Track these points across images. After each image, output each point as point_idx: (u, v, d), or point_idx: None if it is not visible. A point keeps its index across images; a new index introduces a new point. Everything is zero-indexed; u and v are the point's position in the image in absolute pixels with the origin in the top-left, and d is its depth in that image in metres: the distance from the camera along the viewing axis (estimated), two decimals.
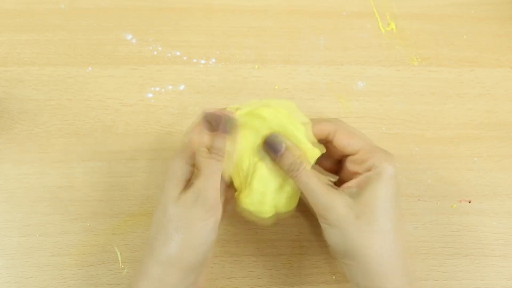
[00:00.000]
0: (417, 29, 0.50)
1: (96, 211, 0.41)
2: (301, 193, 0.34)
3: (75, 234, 0.40)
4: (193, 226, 0.31)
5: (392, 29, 0.50)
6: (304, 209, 0.40)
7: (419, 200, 0.43)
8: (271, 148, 0.32)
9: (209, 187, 0.31)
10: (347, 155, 0.34)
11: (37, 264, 0.39)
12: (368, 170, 0.32)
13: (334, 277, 0.40)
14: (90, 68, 0.46)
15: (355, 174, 0.33)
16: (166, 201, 0.31)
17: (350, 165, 0.34)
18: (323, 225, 0.32)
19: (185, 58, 0.47)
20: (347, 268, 0.32)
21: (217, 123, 0.32)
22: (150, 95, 0.45)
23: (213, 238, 0.32)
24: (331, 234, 0.32)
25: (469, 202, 0.43)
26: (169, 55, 0.47)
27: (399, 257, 0.31)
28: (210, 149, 0.32)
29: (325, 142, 0.34)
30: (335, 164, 0.37)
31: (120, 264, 0.40)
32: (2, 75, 0.46)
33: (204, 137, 0.32)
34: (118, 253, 0.40)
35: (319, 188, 0.31)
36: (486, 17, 0.50)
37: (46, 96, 0.45)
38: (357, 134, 0.34)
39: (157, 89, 0.46)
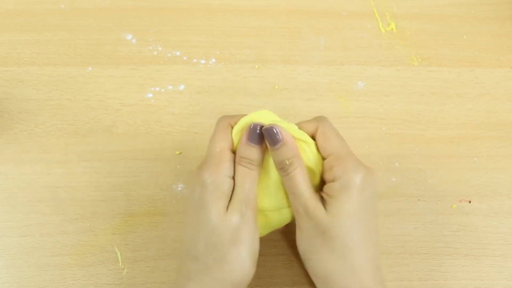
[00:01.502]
0: (417, 29, 0.50)
1: (96, 211, 0.41)
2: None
3: (75, 234, 0.40)
4: (246, 238, 0.31)
5: (392, 29, 0.50)
6: None
7: (419, 200, 0.43)
8: (270, 137, 0.31)
9: (249, 199, 0.31)
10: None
11: (37, 264, 0.39)
12: (332, 180, 0.31)
13: None
14: (90, 68, 0.46)
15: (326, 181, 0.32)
16: (213, 217, 0.30)
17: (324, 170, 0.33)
18: (297, 230, 0.32)
19: (185, 58, 0.47)
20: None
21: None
22: (150, 95, 0.45)
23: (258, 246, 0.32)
24: (301, 240, 0.32)
25: (469, 202, 0.43)
26: (169, 55, 0.47)
27: (365, 272, 0.30)
28: (244, 159, 0.32)
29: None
30: None
31: (120, 264, 0.40)
32: (2, 75, 0.46)
33: (247, 148, 0.32)
34: (118, 253, 0.40)
35: (305, 192, 0.31)
36: (486, 17, 0.51)
37: (46, 96, 0.45)
38: (332, 137, 0.33)
39: (157, 89, 0.46)
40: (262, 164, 0.33)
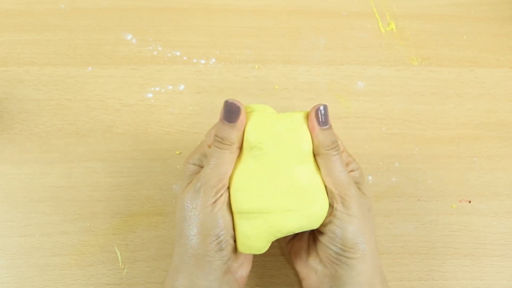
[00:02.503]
0: (417, 29, 0.50)
1: (96, 211, 0.41)
2: None
3: (75, 234, 0.40)
4: (196, 214, 0.30)
5: (392, 29, 0.50)
6: None
7: (419, 200, 0.43)
8: (320, 116, 0.31)
9: (210, 176, 0.30)
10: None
11: (37, 264, 0.39)
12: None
13: None
14: (90, 68, 0.46)
15: None
16: (177, 198, 0.32)
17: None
18: (339, 213, 0.31)
19: (185, 58, 0.47)
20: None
21: (224, 111, 0.31)
22: (150, 95, 0.45)
23: (223, 224, 0.30)
24: (342, 215, 0.31)
25: (469, 202, 0.43)
26: (169, 55, 0.47)
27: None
28: (214, 137, 0.31)
29: None
30: None
31: (120, 264, 0.40)
32: (2, 75, 0.46)
33: (219, 126, 0.32)
34: (118, 253, 0.40)
35: (343, 173, 0.31)
36: (486, 17, 0.50)
37: (46, 96, 0.45)
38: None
39: (157, 89, 0.46)
40: (251, 151, 0.31)
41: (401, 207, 0.42)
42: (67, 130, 0.44)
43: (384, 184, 0.43)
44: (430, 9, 0.51)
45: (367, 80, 0.47)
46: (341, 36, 0.49)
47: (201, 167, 0.33)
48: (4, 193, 0.41)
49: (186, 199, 0.31)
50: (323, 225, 0.32)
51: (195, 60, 0.47)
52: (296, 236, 0.36)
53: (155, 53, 0.47)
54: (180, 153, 0.43)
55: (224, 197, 0.31)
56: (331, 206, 0.31)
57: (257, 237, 0.31)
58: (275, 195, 0.31)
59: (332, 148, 0.31)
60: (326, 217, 0.31)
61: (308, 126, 0.31)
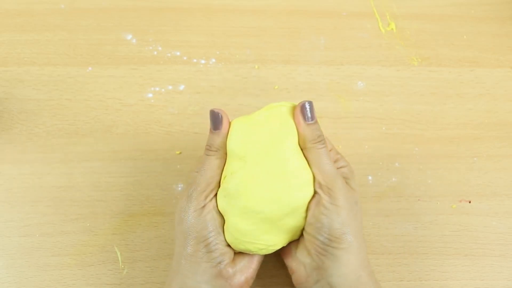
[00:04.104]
0: (417, 29, 0.50)
1: (96, 211, 0.41)
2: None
3: (75, 234, 0.40)
4: (189, 217, 0.32)
5: (392, 29, 0.50)
6: None
7: (419, 200, 0.43)
8: (306, 112, 0.32)
9: (200, 180, 0.32)
10: None
11: (37, 264, 0.39)
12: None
13: None
14: (90, 68, 0.46)
15: None
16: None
17: None
18: (327, 203, 0.31)
19: (185, 58, 0.47)
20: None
21: (210, 120, 0.34)
22: (150, 95, 0.45)
23: (213, 225, 0.32)
24: (329, 206, 0.31)
25: (469, 202, 0.43)
26: (169, 55, 0.47)
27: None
28: (205, 146, 0.34)
29: None
30: None
31: (120, 264, 0.40)
32: (2, 75, 0.46)
33: (209, 135, 0.34)
34: (118, 253, 0.40)
35: (329, 165, 0.32)
36: (486, 17, 0.50)
37: (46, 96, 0.45)
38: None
39: (157, 89, 0.46)
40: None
41: (401, 207, 0.42)
42: (67, 130, 0.44)
43: (384, 184, 0.43)
44: (430, 9, 0.51)
45: (367, 80, 0.47)
46: (341, 36, 0.49)
47: None
48: (4, 193, 0.41)
49: (181, 204, 0.33)
50: (312, 215, 0.32)
51: (195, 60, 0.47)
52: None
53: (155, 53, 0.47)
54: (180, 153, 0.43)
55: (213, 201, 0.33)
56: (319, 196, 0.32)
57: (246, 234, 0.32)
58: (264, 199, 0.31)
59: (318, 142, 0.32)
60: (315, 207, 0.32)
61: (294, 121, 0.33)
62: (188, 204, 0.32)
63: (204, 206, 0.32)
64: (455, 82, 0.47)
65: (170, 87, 0.46)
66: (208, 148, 0.33)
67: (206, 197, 0.32)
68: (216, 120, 0.33)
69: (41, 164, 0.42)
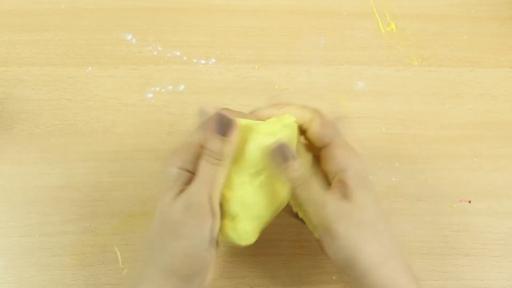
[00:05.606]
0: (417, 29, 0.50)
1: (96, 211, 0.41)
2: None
3: (75, 234, 0.40)
4: (187, 234, 0.28)
5: (392, 29, 0.50)
6: None
7: (419, 200, 0.43)
8: (281, 154, 0.29)
9: (201, 193, 0.28)
10: (320, 148, 0.32)
11: (37, 264, 0.39)
12: (342, 169, 0.30)
13: (334, 277, 0.40)
14: (90, 68, 0.46)
15: (329, 172, 0.31)
16: (161, 206, 0.29)
17: (322, 160, 0.32)
18: (326, 238, 0.30)
19: (185, 58, 0.47)
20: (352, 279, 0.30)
21: (216, 124, 0.29)
22: (150, 95, 0.45)
23: (211, 246, 0.29)
24: (332, 246, 0.29)
25: (469, 202, 0.43)
26: (169, 55, 0.47)
27: (399, 256, 0.30)
28: (206, 151, 0.29)
29: (301, 131, 0.33)
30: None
31: (120, 264, 0.40)
32: (2, 75, 0.46)
33: (211, 139, 0.29)
34: (118, 253, 0.40)
35: (321, 199, 0.29)
36: (486, 17, 0.51)
37: (46, 96, 0.45)
38: (331, 126, 0.32)
39: (157, 89, 0.46)
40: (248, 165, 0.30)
41: (401, 207, 0.42)
42: (67, 130, 0.44)
43: (384, 184, 0.43)
44: (430, 9, 0.51)
45: (367, 80, 0.47)
46: (341, 36, 0.49)
47: (191, 172, 0.30)
48: (4, 193, 0.41)
49: (174, 213, 0.29)
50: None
51: (195, 60, 0.47)
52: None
53: (155, 53, 0.47)
54: None
55: (217, 223, 0.29)
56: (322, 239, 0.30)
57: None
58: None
59: (298, 184, 0.30)
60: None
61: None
62: (186, 217, 0.28)
63: (205, 227, 0.28)
64: (455, 82, 0.47)
65: (170, 87, 0.46)
66: (211, 155, 0.29)
67: (208, 214, 0.28)
68: (227, 124, 0.29)
69: (41, 164, 0.42)
